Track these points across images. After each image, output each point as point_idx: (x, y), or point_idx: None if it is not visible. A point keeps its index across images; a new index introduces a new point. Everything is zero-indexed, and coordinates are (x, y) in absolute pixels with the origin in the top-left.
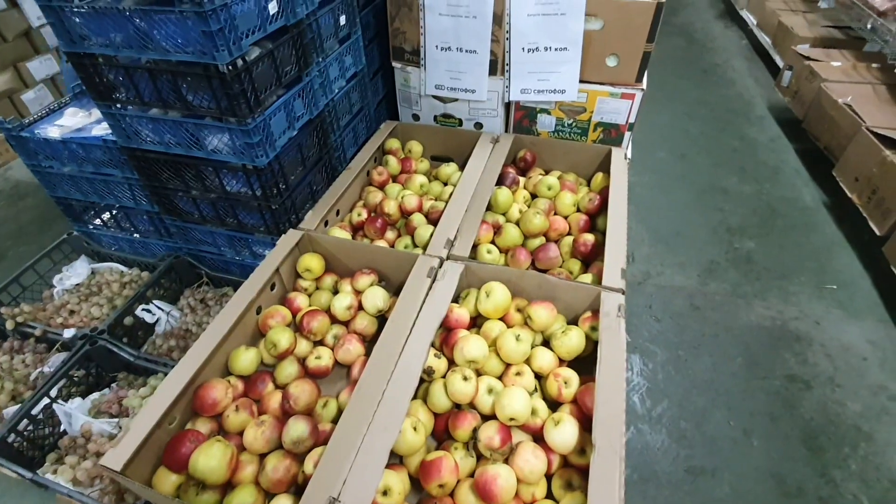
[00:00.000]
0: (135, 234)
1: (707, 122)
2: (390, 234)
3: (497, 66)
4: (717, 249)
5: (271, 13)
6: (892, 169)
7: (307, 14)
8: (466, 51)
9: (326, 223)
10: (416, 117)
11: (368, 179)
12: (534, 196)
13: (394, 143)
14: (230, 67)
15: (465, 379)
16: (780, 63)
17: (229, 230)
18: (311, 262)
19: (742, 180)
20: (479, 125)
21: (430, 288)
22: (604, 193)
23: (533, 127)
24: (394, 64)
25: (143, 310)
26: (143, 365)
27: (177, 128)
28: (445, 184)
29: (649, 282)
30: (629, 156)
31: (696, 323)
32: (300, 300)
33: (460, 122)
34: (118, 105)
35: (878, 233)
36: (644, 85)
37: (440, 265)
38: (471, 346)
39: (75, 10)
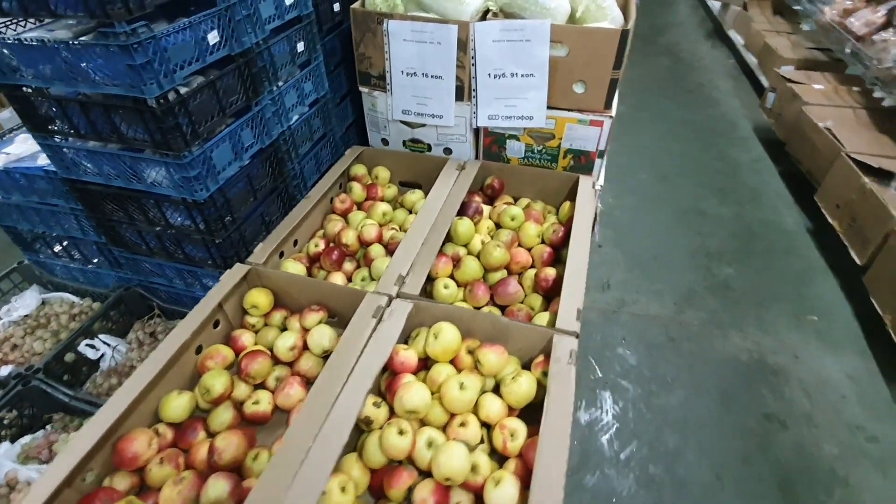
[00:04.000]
0: (88, 265)
1: (690, 142)
2: (349, 266)
3: (464, 91)
4: (695, 275)
5: (211, 43)
6: (871, 197)
7: (256, 43)
8: (432, 76)
9: (282, 254)
10: (385, 142)
11: (331, 207)
12: (498, 226)
13: (359, 169)
14: (161, 101)
15: (401, 433)
16: (766, 84)
17: (177, 263)
18: (258, 298)
19: (722, 202)
20: (448, 150)
21: (375, 329)
22: (569, 224)
23: (502, 153)
24: (361, 89)
25: (86, 345)
26: (80, 406)
27: (115, 160)
28: (411, 211)
29: (624, 310)
30: (601, 183)
31: (670, 355)
32: (245, 338)
33: (429, 148)
34: (56, 137)
35: (858, 262)
36: (613, 112)
37: (388, 303)
38: (411, 395)
39: (6, 41)
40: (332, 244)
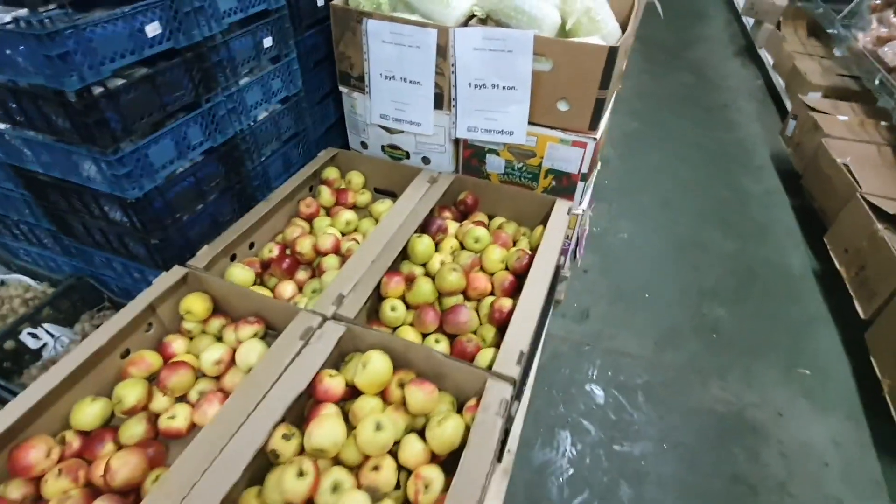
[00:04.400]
0: (45, 251)
1: (700, 167)
2: (303, 275)
3: (443, 99)
4: (683, 314)
5: (150, 35)
6: (882, 246)
7: (209, 37)
8: (410, 81)
9: (234, 257)
10: (364, 145)
11: (297, 211)
12: (464, 247)
13: (332, 173)
14: (85, 94)
15: (301, 474)
16: (791, 109)
17: (123, 258)
18: (194, 304)
19: (726, 235)
20: (426, 160)
21: (300, 352)
22: (534, 255)
23: (482, 167)
24: (341, 89)
25: (28, 333)
26: (8, 399)
27: (52, 150)
28: (379, 221)
29: (599, 345)
30: (584, 207)
31: (641, 399)
32: (176, 345)
33: (407, 155)
34: None
35: (862, 315)
36: (598, 133)
37: (321, 324)
38: (320, 431)
39: None
40: (287, 251)
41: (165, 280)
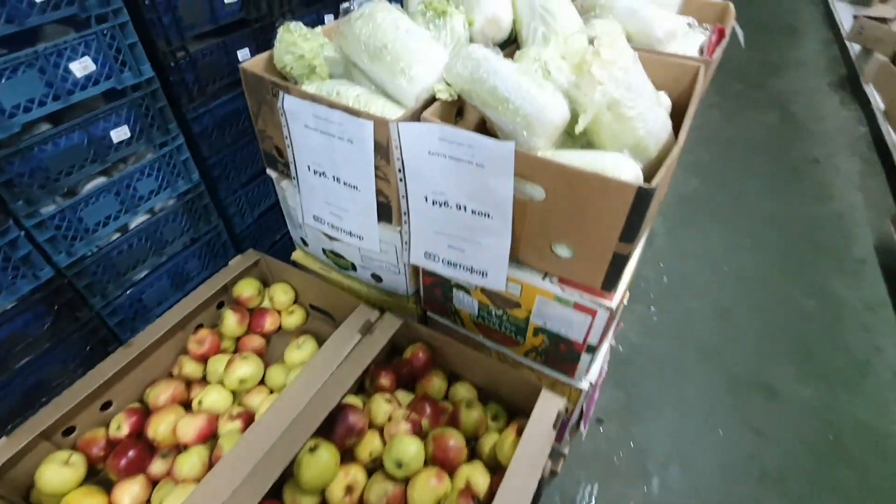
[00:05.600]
0: None
1: (776, 256)
2: (160, 467)
3: (391, 212)
4: None
5: None
6: None
7: None
8: (346, 183)
9: (71, 430)
10: (304, 242)
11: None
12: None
13: (248, 288)
14: None
15: None
16: None
17: None
18: None
19: (803, 375)
20: (376, 277)
21: None
22: (494, 484)
23: (449, 304)
24: (269, 172)
25: None
26: None
27: None
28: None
29: None
30: (591, 380)
31: None
32: None
33: (353, 267)
34: None
35: None
36: (615, 299)
37: None
38: None
39: None
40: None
41: None
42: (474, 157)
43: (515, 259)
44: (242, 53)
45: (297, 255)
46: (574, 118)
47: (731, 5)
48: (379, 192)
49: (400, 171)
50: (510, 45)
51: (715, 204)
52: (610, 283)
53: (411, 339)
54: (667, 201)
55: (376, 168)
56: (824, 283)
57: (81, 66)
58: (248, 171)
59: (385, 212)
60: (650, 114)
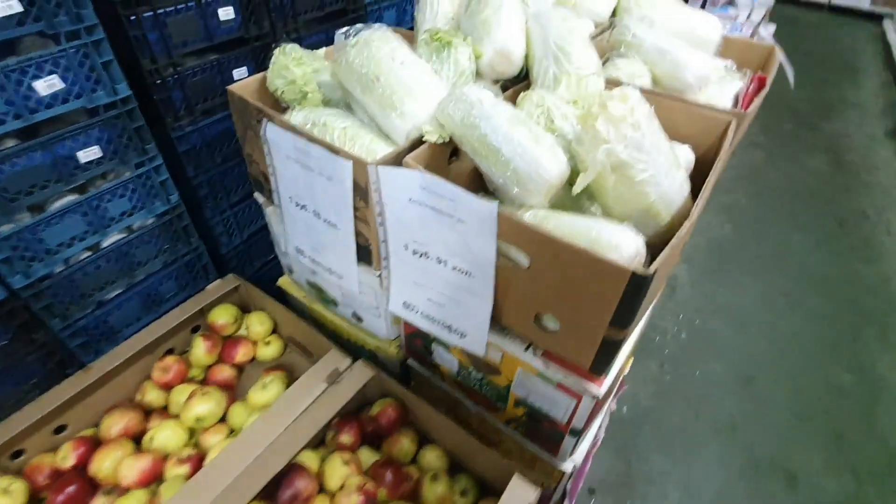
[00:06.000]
0: None
1: (812, 320)
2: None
3: (370, 255)
4: None
5: None
6: None
7: None
8: (326, 220)
9: (19, 454)
10: (290, 270)
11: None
12: None
13: (223, 315)
14: None
15: None
16: None
17: None
18: None
19: (830, 464)
20: (357, 317)
21: None
22: None
23: (429, 357)
24: (255, 196)
25: None
26: None
27: None
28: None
29: None
30: (576, 463)
31: None
32: None
33: (335, 303)
34: None
35: None
36: (605, 386)
37: None
38: None
39: None
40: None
41: None
42: (456, 211)
43: (498, 321)
44: (239, 72)
45: (283, 281)
46: (576, 173)
47: (777, 49)
48: (359, 234)
49: (379, 215)
50: (523, 80)
51: (748, 254)
52: (599, 368)
53: (383, 392)
54: (694, 244)
55: (356, 209)
56: (865, 356)
57: (47, 85)
58: (240, 190)
59: (365, 254)
60: (664, 178)
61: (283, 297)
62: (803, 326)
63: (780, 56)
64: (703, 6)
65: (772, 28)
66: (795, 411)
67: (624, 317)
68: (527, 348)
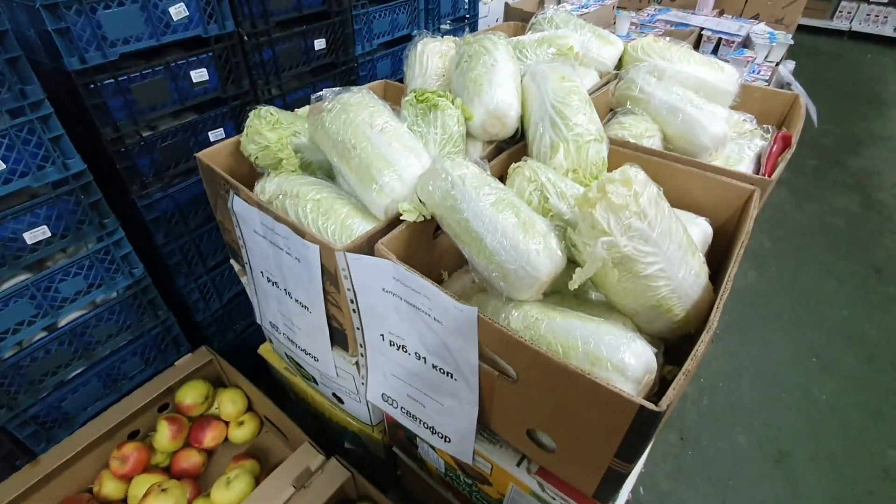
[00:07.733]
0: None
1: (851, 384)
2: None
3: (346, 339)
4: None
5: None
6: None
7: None
8: (297, 301)
9: None
10: (269, 339)
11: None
12: None
13: (191, 393)
14: None
15: None
16: None
17: None
18: None
19: None
20: (338, 398)
21: None
22: None
23: (414, 450)
24: (232, 263)
25: None
26: None
27: None
28: None
29: None
30: None
31: None
32: None
33: (315, 380)
34: None
35: None
36: None
37: None
38: None
39: None
40: None
41: None
42: (432, 310)
43: (487, 427)
44: (216, 134)
45: (264, 349)
46: (572, 261)
47: (801, 98)
48: (332, 318)
49: (352, 301)
50: (520, 140)
51: (776, 306)
52: (604, 496)
53: (360, 495)
54: None
55: (326, 293)
56: None
57: None
58: (218, 254)
59: (340, 338)
60: (677, 270)
61: (264, 365)
62: (840, 392)
63: (804, 103)
64: (715, 51)
65: (791, 65)
66: (834, 495)
67: (631, 451)
68: (520, 462)
